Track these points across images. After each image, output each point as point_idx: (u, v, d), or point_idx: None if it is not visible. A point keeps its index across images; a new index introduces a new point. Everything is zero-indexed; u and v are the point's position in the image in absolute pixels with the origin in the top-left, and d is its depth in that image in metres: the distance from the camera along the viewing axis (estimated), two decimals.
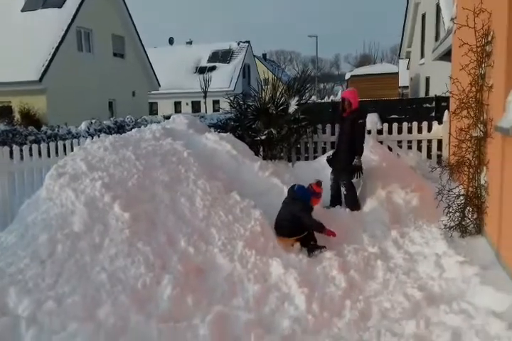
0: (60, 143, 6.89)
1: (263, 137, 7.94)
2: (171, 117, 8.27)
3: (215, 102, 31.49)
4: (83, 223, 4.28)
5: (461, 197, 5.22)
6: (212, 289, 4.03)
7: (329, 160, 6.36)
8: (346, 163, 6.11)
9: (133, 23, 22.40)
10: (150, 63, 24.06)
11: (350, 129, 6.15)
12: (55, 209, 4.47)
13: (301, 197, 5.21)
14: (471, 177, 5.18)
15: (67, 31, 18.01)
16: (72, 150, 6.49)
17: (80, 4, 18.75)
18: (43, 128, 11.55)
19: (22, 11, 19.19)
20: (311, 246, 5.04)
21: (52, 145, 6.76)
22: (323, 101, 13.71)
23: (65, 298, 3.60)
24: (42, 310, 3.47)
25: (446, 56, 9.62)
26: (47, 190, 4.77)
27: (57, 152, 6.76)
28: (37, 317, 3.42)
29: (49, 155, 6.67)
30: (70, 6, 18.72)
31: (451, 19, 8.25)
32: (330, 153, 6.71)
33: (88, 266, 3.90)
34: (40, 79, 16.82)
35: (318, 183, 5.38)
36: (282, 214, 5.20)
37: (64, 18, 18.27)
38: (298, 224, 5.06)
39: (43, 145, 6.67)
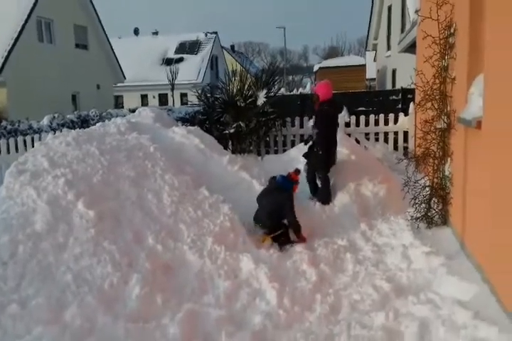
0: (21, 139, 6.65)
1: (232, 130, 7.89)
2: (137, 110, 8.11)
3: (183, 95, 31.06)
4: (46, 222, 4.14)
5: (427, 189, 5.31)
6: (182, 287, 3.98)
7: (305, 154, 6.33)
8: (322, 155, 6.09)
9: (96, 12, 21.76)
10: (114, 54, 23.48)
11: (321, 121, 6.14)
12: (16, 209, 4.31)
13: (285, 187, 5.21)
14: (435, 168, 5.27)
15: (26, 21, 17.36)
16: (33, 146, 6.27)
17: None
18: (3, 123, 11.12)
19: None
20: (282, 241, 5.03)
21: (11, 141, 6.53)
22: (292, 93, 13.70)
23: (29, 300, 3.49)
24: (5, 314, 3.36)
25: (412, 48, 9.74)
26: (7, 189, 4.59)
27: (17, 148, 6.52)
28: (0, 321, 3.30)
29: (9, 152, 6.43)
30: None
31: (416, 11, 8.34)
32: (303, 145, 6.67)
33: (52, 267, 3.78)
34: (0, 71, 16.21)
35: (297, 172, 5.43)
36: (266, 205, 5.14)
37: (23, 8, 17.59)
38: (280, 217, 5.09)
39: (2, 142, 6.42)
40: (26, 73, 17.06)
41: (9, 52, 16.63)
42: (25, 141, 6.70)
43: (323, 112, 6.15)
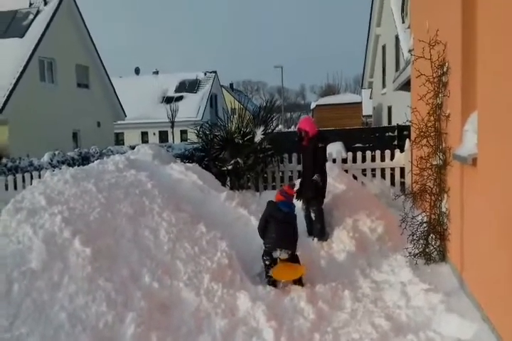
0: (19, 176, 6.69)
1: (230, 167, 7.94)
2: (136, 148, 8.19)
3: (183, 132, 31.42)
4: (41, 260, 4.10)
5: (424, 225, 5.31)
6: (178, 325, 3.91)
7: (298, 191, 6.37)
8: (314, 188, 6.15)
9: (97, 52, 22.31)
10: (115, 93, 23.91)
11: (313, 156, 6.22)
12: (12, 246, 4.29)
13: (292, 211, 5.23)
14: (432, 204, 5.29)
15: (28, 61, 17.75)
16: (31, 183, 6.30)
17: (43, 34, 18.58)
18: (4, 160, 11.21)
19: None
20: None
21: (10, 178, 6.56)
22: (289, 130, 13.90)
23: (22, 340, 3.41)
24: None
25: (406, 86, 9.97)
26: (3, 226, 4.58)
27: (15, 185, 6.55)
28: None
29: (7, 189, 6.46)
30: (32, 36, 18.52)
31: (409, 51, 8.60)
32: (296, 183, 6.73)
33: (47, 306, 3.73)
34: (1, 110, 16.45)
35: (292, 186, 5.44)
36: (285, 227, 5.06)
37: (26, 48, 18.03)
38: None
39: (1, 179, 6.45)
40: (28, 111, 17.32)
41: (11, 91, 16.93)
42: (23, 178, 6.73)
43: (322, 149, 6.28)
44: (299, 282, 4.89)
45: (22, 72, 17.38)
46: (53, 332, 3.47)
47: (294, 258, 5.01)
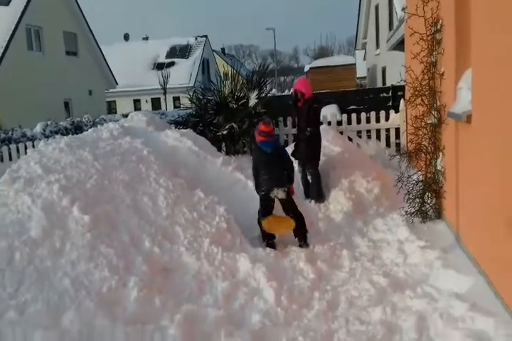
0: (13, 147, 6.64)
1: (224, 132, 7.91)
2: (129, 115, 8.12)
3: (176, 99, 31.00)
4: (41, 228, 4.13)
5: (420, 184, 5.35)
6: (180, 288, 3.99)
7: (293, 153, 6.39)
8: (309, 150, 6.16)
9: (85, 19, 21.67)
10: (105, 61, 23.42)
11: (307, 117, 6.19)
12: (11, 216, 4.30)
13: (275, 147, 5.23)
14: (428, 163, 5.31)
15: (15, 30, 17.26)
16: (26, 153, 6.26)
17: (28, 1, 18.01)
18: None
19: None
20: (304, 235, 5.04)
21: (5, 149, 6.51)
22: (283, 94, 13.75)
23: (27, 306, 3.48)
24: (3, 320, 3.35)
25: (400, 46, 9.80)
26: (1, 196, 4.58)
27: (10, 156, 6.50)
28: None
29: (2, 160, 6.41)
30: (18, 3, 17.92)
31: (403, 9, 8.41)
32: (291, 146, 6.73)
33: (50, 272, 3.77)
34: None
35: (266, 122, 5.28)
36: (275, 166, 5.10)
37: (11, 16, 17.49)
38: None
39: None
40: (17, 82, 16.99)
41: None
42: (18, 149, 6.68)
43: (316, 109, 6.25)
44: (304, 243, 4.96)
45: (9, 41, 16.94)
46: (58, 297, 3.52)
47: (294, 209, 5.06)
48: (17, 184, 4.75)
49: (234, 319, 3.62)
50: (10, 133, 10.60)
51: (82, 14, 21.48)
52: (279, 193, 5.01)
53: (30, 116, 14.98)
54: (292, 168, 5.28)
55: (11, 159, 6.49)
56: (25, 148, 6.86)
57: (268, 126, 5.22)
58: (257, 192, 5.19)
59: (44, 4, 18.89)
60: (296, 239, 5.03)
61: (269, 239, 4.99)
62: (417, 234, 4.81)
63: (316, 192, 6.12)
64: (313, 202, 6.01)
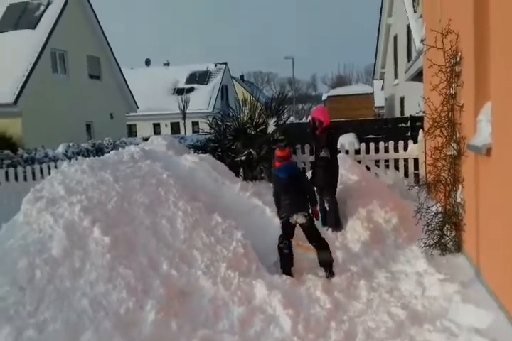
0: (37, 167, 6.79)
1: (243, 158, 7.97)
2: (150, 139, 8.26)
3: (194, 123, 31.51)
4: (62, 248, 4.19)
5: (439, 215, 5.31)
6: (196, 313, 3.98)
7: (311, 180, 6.42)
8: (326, 177, 6.18)
9: (108, 44, 22.35)
10: (127, 85, 23.99)
11: (325, 144, 6.22)
12: (33, 235, 4.38)
13: (293, 171, 5.26)
14: (447, 195, 5.29)
15: (41, 53, 17.84)
16: (49, 173, 6.39)
17: (54, 25, 18.64)
18: (20, 151, 11.36)
19: None
20: (329, 265, 4.96)
21: (28, 169, 6.66)
22: (301, 121, 13.88)
23: (46, 325, 3.52)
24: (23, 338, 3.38)
25: (419, 76, 9.90)
26: (24, 215, 4.67)
27: (34, 176, 6.65)
28: None
29: (26, 179, 6.56)
30: (44, 27, 18.57)
31: (421, 40, 8.53)
32: (309, 173, 6.76)
33: (69, 292, 3.81)
34: (15, 101, 16.59)
35: (280, 148, 5.36)
36: (294, 191, 5.10)
37: (38, 40, 18.10)
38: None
39: (20, 170, 6.56)
40: (41, 103, 17.46)
41: (24, 83, 17.05)
42: (41, 169, 6.83)
43: (334, 136, 6.37)
44: (330, 273, 4.89)
45: (34, 64, 17.48)
46: (76, 317, 3.55)
47: (317, 237, 5.04)
48: (40, 203, 4.84)
49: None
50: (33, 153, 10.86)
51: (106, 39, 22.16)
52: (299, 218, 4.99)
53: (53, 137, 15.33)
54: (312, 190, 5.33)
55: (34, 178, 6.63)
56: (48, 168, 7.01)
57: (283, 150, 5.27)
58: (279, 218, 5.21)
59: (69, 28, 19.55)
60: (322, 269, 4.97)
61: (286, 267, 4.95)
62: (436, 266, 4.76)
63: (334, 220, 6.11)
64: (330, 230, 5.99)
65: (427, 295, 4.29)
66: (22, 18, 19.13)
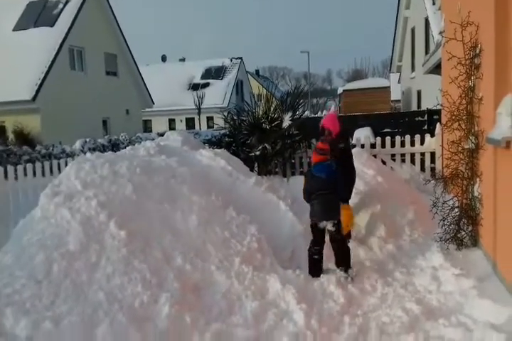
0: (55, 163, 6.89)
1: (257, 152, 7.97)
2: (165, 134, 8.31)
3: (209, 118, 31.63)
4: (79, 242, 4.25)
5: (456, 209, 5.25)
6: (210, 307, 4.01)
7: None
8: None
9: (125, 40, 22.56)
10: (143, 81, 24.20)
11: (347, 163, 5.79)
12: (51, 229, 4.44)
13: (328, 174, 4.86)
14: (464, 189, 5.22)
15: (59, 50, 18.10)
16: None
17: (72, 23, 18.89)
18: (37, 147, 11.55)
19: (14, 30, 19.29)
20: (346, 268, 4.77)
21: (46, 164, 6.77)
22: (316, 116, 13.81)
23: (62, 318, 3.56)
24: (39, 331, 3.44)
25: (437, 69, 9.76)
26: (42, 210, 4.74)
27: (51, 171, 6.75)
28: (34, 338, 3.38)
29: (44, 175, 6.66)
30: (62, 25, 18.84)
31: (440, 33, 8.39)
32: None
33: (85, 286, 3.87)
34: (34, 98, 16.86)
35: (323, 140, 5.20)
36: (328, 195, 4.76)
37: (56, 37, 18.36)
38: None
39: (38, 165, 6.66)
40: (59, 100, 17.71)
41: (43, 79, 17.32)
42: (59, 165, 6.93)
43: (346, 153, 5.81)
44: (345, 273, 4.73)
45: (53, 61, 17.74)
46: (92, 310, 3.61)
47: (340, 244, 4.86)
48: (57, 198, 4.90)
49: (263, 340, 3.61)
50: (50, 149, 11.02)
51: (123, 36, 22.35)
52: (328, 225, 4.80)
53: (70, 133, 15.55)
54: (343, 185, 4.95)
55: (51, 174, 6.73)
56: (66, 164, 7.10)
57: (325, 144, 4.98)
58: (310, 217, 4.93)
59: (87, 26, 19.78)
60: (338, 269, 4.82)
61: (312, 271, 4.79)
62: (452, 261, 4.70)
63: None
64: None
65: (443, 290, 4.25)
66: (41, 15, 19.43)
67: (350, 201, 5.41)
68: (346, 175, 5.45)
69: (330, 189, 4.79)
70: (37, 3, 19.98)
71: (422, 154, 8.11)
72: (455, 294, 4.11)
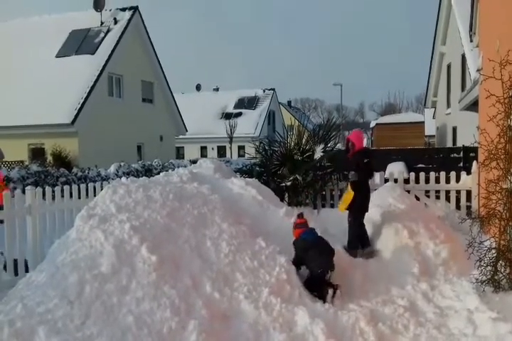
0: (90, 185, 7.06)
1: (288, 183, 7.98)
2: (198, 162, 8.44)
3: (241, 147, 32.03)
4: (111, 265, 4.30)
5: (493, 251, 5.07)
6: (237, 337, 3.96)
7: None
8: (353, 200, 6.09)
9: (162, 69, 23.35)
10: (178, 108, 24.82)
11: (355, 170, 6.20)
12: (85, 250, 4.52)
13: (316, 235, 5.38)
14: (502, 230, 5.06)
15: (99, 77, 18.82)
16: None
17: (112, 51, 19.69)
18: (74, 170, 11.90)
19: (57, 56, 20.21)
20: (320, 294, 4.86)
21: (82, 187, 6.93)
22: None
23: (92, 339, 3.58)
24: None
25: (473, 106, 9.69)
26: (77, 231, 4.84)
27: (87, 193, 6.91)
28: None
29: (79, 197, 6.83)
30: (103, 53, 19.67)
31: (477, 70, 8.37)
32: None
33: (115, 308, 3.89)
34: (73, 122, 17.46)
35: (298, 216, 5.55)
36: (327, 248, 5.20)
37: (96, 64, 19.15)
38: None
39: (74, 187, 6.84)
40: (96, 124, 18.30)
41: (82, 104, 17.97)
42: (94, 188, 7.09)
43: (355, 160, 6.27)
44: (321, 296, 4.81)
45: (92, 87, 18.44)
46: (121, 333, 3.61)
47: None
48: (92, 221, 5.01)
49: None
50: (86, 172, 11.32)
51: (160, 64, 23.16)
52: (331, 275, 5.00)
53: (106, 157, 15.98)
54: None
55: (87, 196, 6.89)
56: (101, 187, 7.27)
57: (301, 218, 5.50)
58: (311, 271, 5.05)
59: (126, 54, 20.60)
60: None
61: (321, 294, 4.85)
62: (488, 304, 4.52)
63: (348, 240, 6.09)
64: (370, 260, 5.84)
65: (478, 334, 4.07)
66: (83, 43, 20.38)
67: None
68: (359, 189, 6.09)
69: (325, 244, 5.23)
70: (80, 32, 20.99)
71: (457, 192, 7.95)
72: (491, 339, 3.94)
